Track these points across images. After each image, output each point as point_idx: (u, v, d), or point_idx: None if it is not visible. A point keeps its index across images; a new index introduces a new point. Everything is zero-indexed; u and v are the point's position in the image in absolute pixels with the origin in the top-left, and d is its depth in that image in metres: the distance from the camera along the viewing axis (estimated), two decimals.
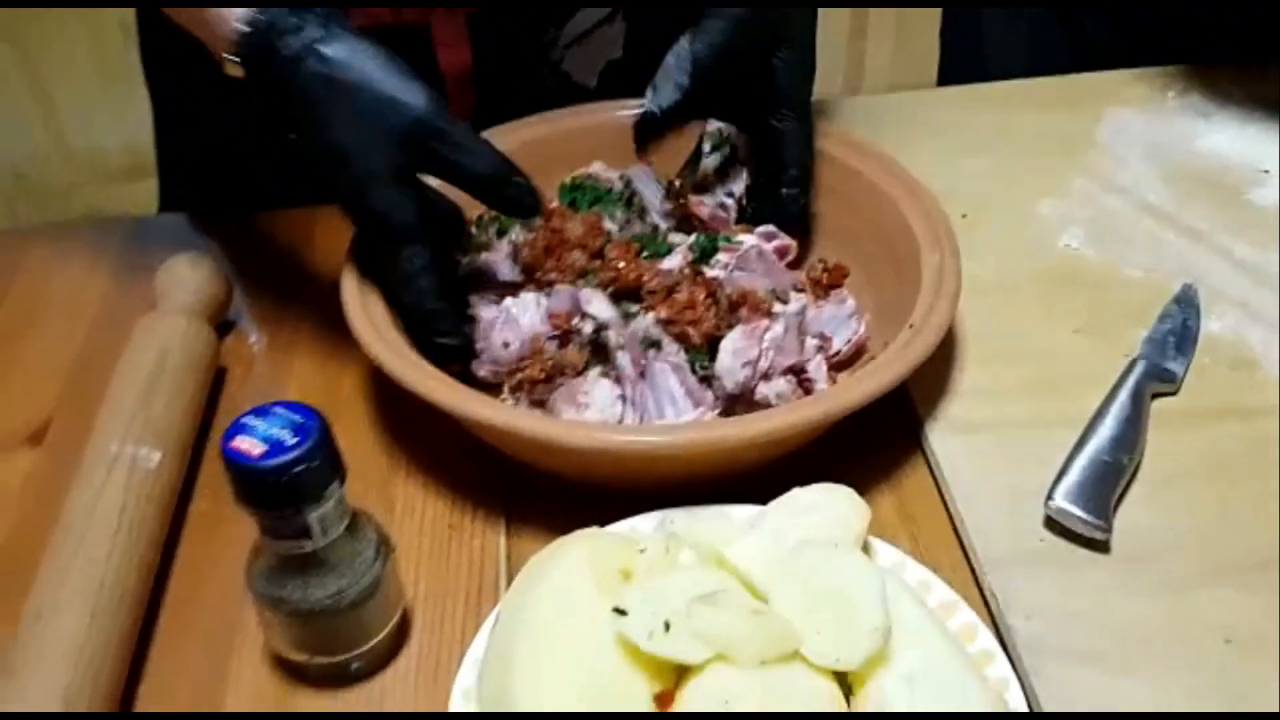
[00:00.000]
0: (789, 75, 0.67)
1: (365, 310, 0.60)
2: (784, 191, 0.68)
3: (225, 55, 0.57)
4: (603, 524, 0.55)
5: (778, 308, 0.62)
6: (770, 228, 0.67)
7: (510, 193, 0.61)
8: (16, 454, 0.64)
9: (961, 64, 1.00)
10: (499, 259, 0.66)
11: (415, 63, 0.60)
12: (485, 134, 0.65)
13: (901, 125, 0.84)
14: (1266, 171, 0.78)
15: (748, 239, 0.65)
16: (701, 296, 0.60)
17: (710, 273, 0.63)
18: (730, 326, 0.60)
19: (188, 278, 0.68)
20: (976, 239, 0.73)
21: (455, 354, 0.61)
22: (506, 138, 0.68)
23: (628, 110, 0.71)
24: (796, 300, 0.63)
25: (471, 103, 0.77)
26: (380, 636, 0.52)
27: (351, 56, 0.57)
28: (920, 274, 0.62)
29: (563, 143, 0.73)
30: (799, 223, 0.69)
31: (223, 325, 0.70)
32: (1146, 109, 0.85)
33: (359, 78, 0.56)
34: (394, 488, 0.61)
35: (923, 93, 0.92)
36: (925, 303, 0.60)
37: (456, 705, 0.48)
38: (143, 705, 0.51)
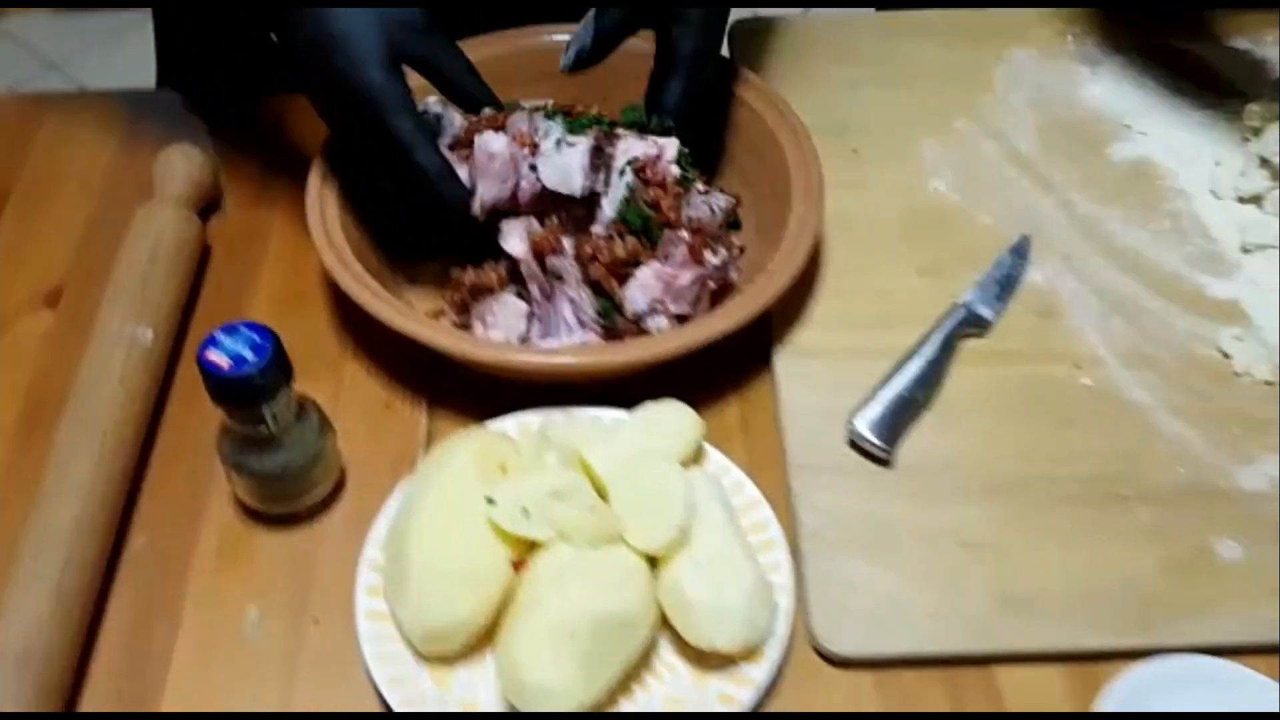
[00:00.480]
0: (681, 49, 0.74)
1: (324, 223, 0.73)
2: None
3: None
4: (503, 411, 0.70)
5: (708, 255, 0.72)
6: None
7: (475, 92, 0.73)
8: (37, 313, 0.78)
9: None
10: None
11: None
12: None
13: (822, 50, 0.94)
14: (1128, 127, 0.89)
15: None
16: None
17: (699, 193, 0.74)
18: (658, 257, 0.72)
19: (180, 169, 0.81)
20: (860, 175, 0.85)
21: (462, 207, 0.71)
22: None
23: (557, 35, 0.82)
24: (721, 255, 0.74)
25: None
26: (319, 494, 0.68)
27: None
28: (788, 221, 0.75)
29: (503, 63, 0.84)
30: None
31: (209, 206, 0.84)
32: (1045, 51, 0.94)
33: None
34: (342, 367, 0.75)
35: (847, 15, 1.00)
36: (784, 251, 0.73)
37: (369, 552, 0.64)
38: (135, 534, 0.68)
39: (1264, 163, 0.80)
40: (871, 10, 1.04)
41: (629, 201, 0.72)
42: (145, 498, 0.69)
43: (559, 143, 0.71)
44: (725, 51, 0.83)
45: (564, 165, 0.71)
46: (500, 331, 0.72)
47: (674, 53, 0.74)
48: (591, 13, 0.74)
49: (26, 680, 0.58)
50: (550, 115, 0.73)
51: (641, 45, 0.79)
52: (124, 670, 0.63)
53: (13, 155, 0.87)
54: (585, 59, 0.75)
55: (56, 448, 0.66)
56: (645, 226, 0.72)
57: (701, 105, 0.78)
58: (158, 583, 0.66)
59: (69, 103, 0.92)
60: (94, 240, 0.82)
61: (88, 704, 0.61)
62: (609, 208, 0.73)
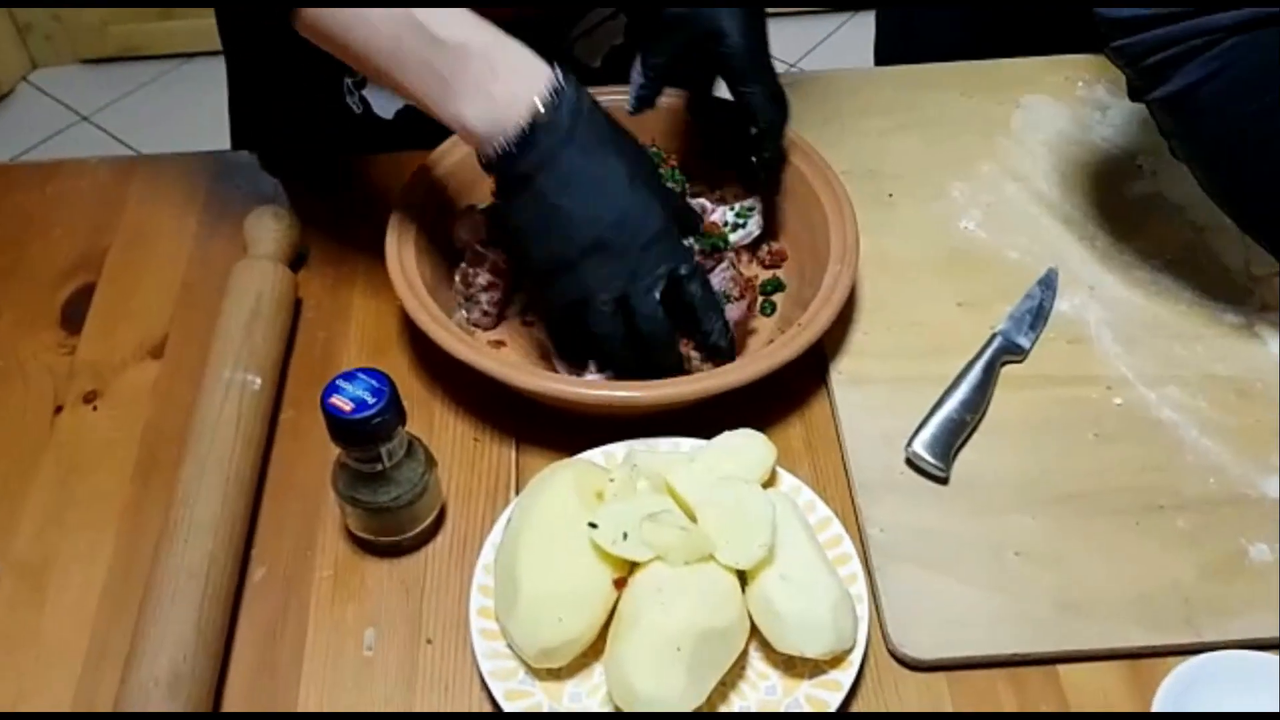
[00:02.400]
0: (737, 58, 0.80)
1: (403, 270, 0.79)
2: (762, 153, 0.83)
3: (498, 145, 0.70)
4: (588, 445, 0.76)
5: None
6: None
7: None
8: (144, 364, 0.84)
9: (895, 41, 1.16)
10: None
11: None
12: None
13: (847, 103, 1.01)
14: (1140, 166, 0.96)
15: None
16: None
17: None
18: None
19: (272, 228, 0.87)
20: (896, 217, 0.92)
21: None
22: None
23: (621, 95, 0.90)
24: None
25: None
26: (425, 524, 0.74)
27: (603, 153, 0.71)
28: (822, 279, 0.81)
29: None
30: (778, 169, 0.84)
31: (296, 260, 0.89)
32: (1057, 97, 1.02)
33: (611, 180, 0.71)
34: (433, 407, 0.81)
35: (865, 72, 1.07)
36: (815, 307, 0.79)
37: (479, 577, 0.70)
38: (256, 565, 0.73)
39: None
40: (891, 65, 1.11)
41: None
42: (261, 533, 0.75)
43: None
44: None
45: None
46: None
47: (749, 105, 0.81)
48: (639, 57, 0.82)
49: (176, 704, 0.63)
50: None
51: (676, 100, 0.89)
52: (257, 692, 0.68)
53: (107, 217, 0.93)
54: (646, 97, 0.83)
55: (182, 489, 0.72)
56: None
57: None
58: (279, 611, 0.71)
59: (155, 164, 0.98)
60: (192, 294, 0.88)
61: None
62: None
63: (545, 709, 0.66)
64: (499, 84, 0.69)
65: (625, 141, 0.74)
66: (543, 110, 0.69)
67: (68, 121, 2.34)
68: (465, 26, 0.70)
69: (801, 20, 2.42)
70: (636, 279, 0.72)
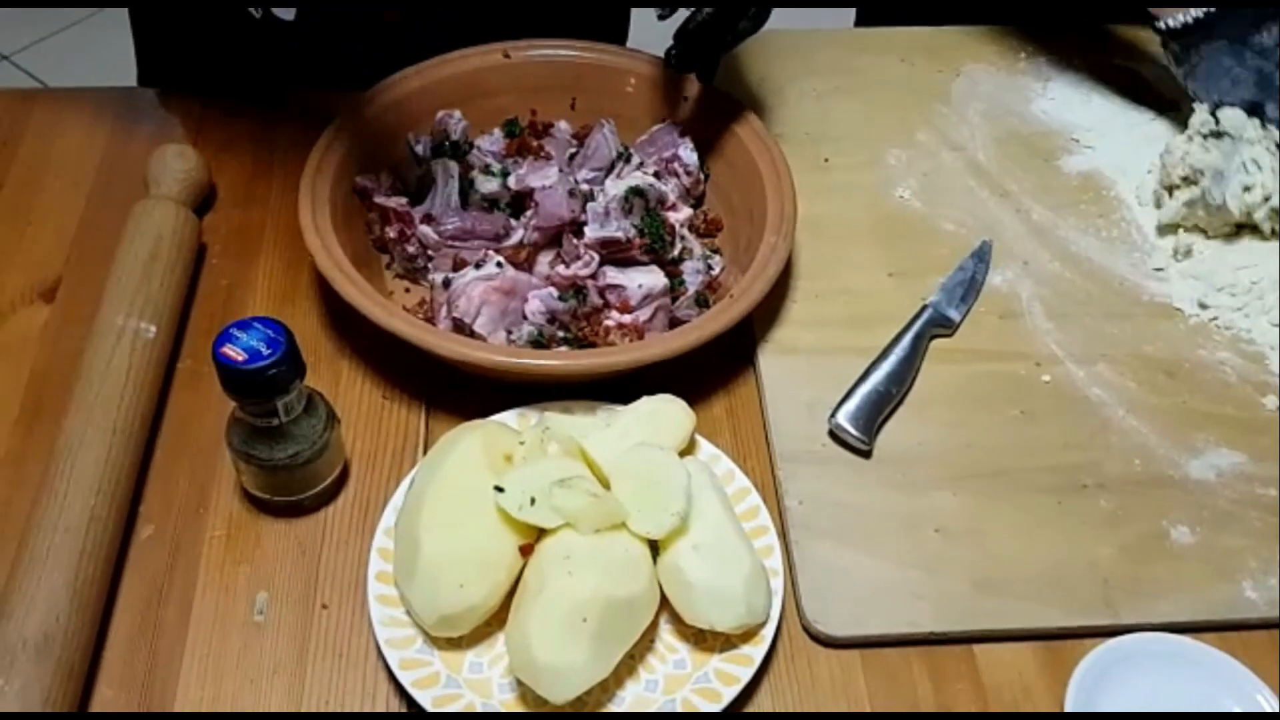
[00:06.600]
0: None
1: (315, 221, 0.75)
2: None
3: None
4: (500, 408, 0.73)
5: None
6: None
7: None
8: (34, 307, 0.79)
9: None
10: None
11: None
12: None
13: (793, 64, 0.98)
14: (1077, 140, 0.94)
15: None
16: None
17: None
18: None
19: (176, 168, 0.82)
20: (831, 183, 0.90)
21: None
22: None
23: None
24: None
25: None
26: (325, 483, 0.70)
27: None
28: (756, 247, 0.78)
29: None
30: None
31: (202, 203, 0.85)
32: (998, 67, 1.00)
33: None
34: (340, 363, 0.78)
35: (803, 33, 1.03)
36: (748, 280, 0.76)
37: (379, 540, 0.67)
38: (144, 522, 0.69)
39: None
40: (833, 26, 1.07)
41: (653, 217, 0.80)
42: (150, 489, 0.71)
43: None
44: None
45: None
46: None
47: None
48: None
49: (46, 666, 0.59)
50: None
51: (608, 58, 0.86)
52: (138, 656, 0.64)
53: (2, 151, 0.88)
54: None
55: (65, 441, 0.67)
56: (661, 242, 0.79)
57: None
58: (166, 572, 0.68)
59: (56, 98, 0.93)
60: (88, 236, 0.83)
61: (103, 687, 0.63)
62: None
63: (443, 679, 0.63)
64: None
65: None
66: None
67: None
68: None
69: None
70: None
